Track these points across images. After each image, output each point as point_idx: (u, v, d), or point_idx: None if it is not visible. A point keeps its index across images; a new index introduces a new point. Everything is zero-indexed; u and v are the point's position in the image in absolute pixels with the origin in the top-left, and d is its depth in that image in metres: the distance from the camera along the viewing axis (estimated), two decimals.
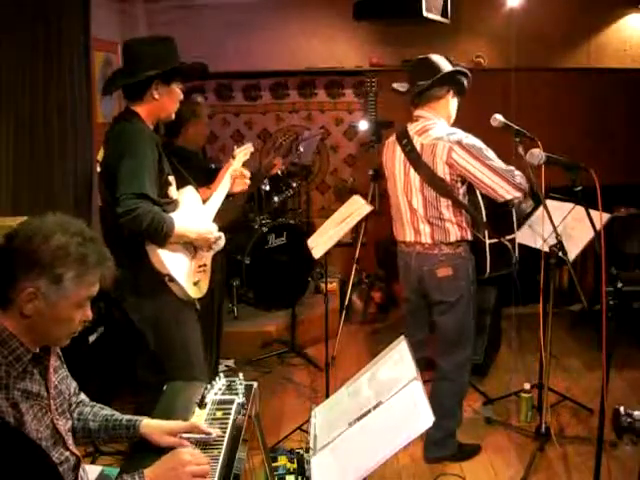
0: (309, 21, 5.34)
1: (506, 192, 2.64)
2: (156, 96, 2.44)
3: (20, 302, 1.41)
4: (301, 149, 4.66)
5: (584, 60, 5.36)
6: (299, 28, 5.35)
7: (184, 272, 2.47)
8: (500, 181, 2.62)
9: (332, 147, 5.68)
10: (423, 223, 2.78)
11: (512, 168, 2.68)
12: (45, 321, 1.45)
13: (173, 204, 2.54)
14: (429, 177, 2.70)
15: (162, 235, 2.33)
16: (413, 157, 2.74)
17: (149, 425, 1.68)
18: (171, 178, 2.56)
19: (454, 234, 2.74)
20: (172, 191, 2.56)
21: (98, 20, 4.07)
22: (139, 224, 2.25)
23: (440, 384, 2.97)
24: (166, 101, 2.48)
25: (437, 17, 4.36)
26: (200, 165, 3.54)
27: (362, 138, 5.42)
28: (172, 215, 2.42)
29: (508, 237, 2.75)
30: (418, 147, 2.73)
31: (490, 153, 2.67)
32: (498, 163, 2.65)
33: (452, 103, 2.82)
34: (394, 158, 2.86)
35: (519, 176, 2.67)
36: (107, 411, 1.77)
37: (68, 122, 3.58)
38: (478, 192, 2.72)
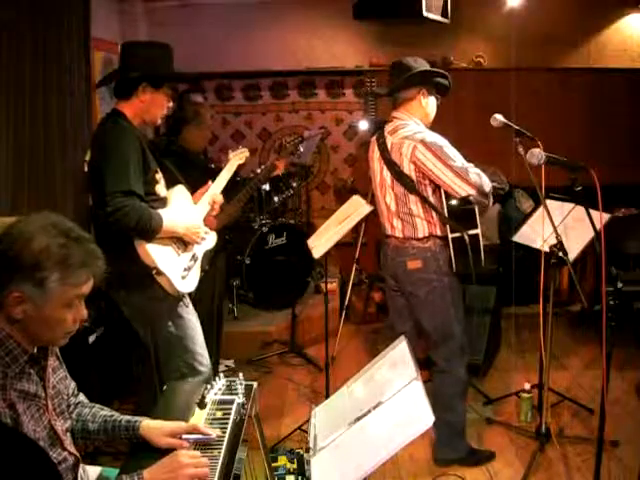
0: (309, 21, 5.34)
1: (460, 189, 2.70)
2: (142, 98, 2.48)
3: (9, 306, 1.41)
4: (301, 149, 4.64)
5: (584, 60, 5.37)
6: (299, 28, 5.35)
7: (172, 266, 2.50)
8: (455, 178, 2.68)
9: (332, 147, 5.69)
10: (396, 219, 2.86)
11: (468, 166, 2.72)
12: (36, 323, 1.44)
13: (162, 201, 2.56)
14: (397, 174, 2.79)
15: (150, 231, 2.39)
16: (385, 155, 2.84)
17: (149, 426, 1.68)
18: (158, 176, 2.57)
19: (422, 230, 2.81)
20: (160, 188, 2.57)
21: (98, 20, 4.08)
22: (128, 222, 2.30)
23: (435, 376, 3.01)
24: (152, 105, 2.51)
25: (437, 17, 4.37)
26: (201, 165, 3.54)
27: (362, 138, 5.42)
28: (160, 212, 2.45)
29: (471, 232, 2.76)
30: (389, 145, 2.82)
31: (450, 151, 2.73)
32: (456, 161, 2.70)
33: (426, 103, 2.86)
34: (373, 156, 2.95)
35: (475, 174, 2.71)
36: (106, 412, 1.77)
37: (68, 122, 3.58)
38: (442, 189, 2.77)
